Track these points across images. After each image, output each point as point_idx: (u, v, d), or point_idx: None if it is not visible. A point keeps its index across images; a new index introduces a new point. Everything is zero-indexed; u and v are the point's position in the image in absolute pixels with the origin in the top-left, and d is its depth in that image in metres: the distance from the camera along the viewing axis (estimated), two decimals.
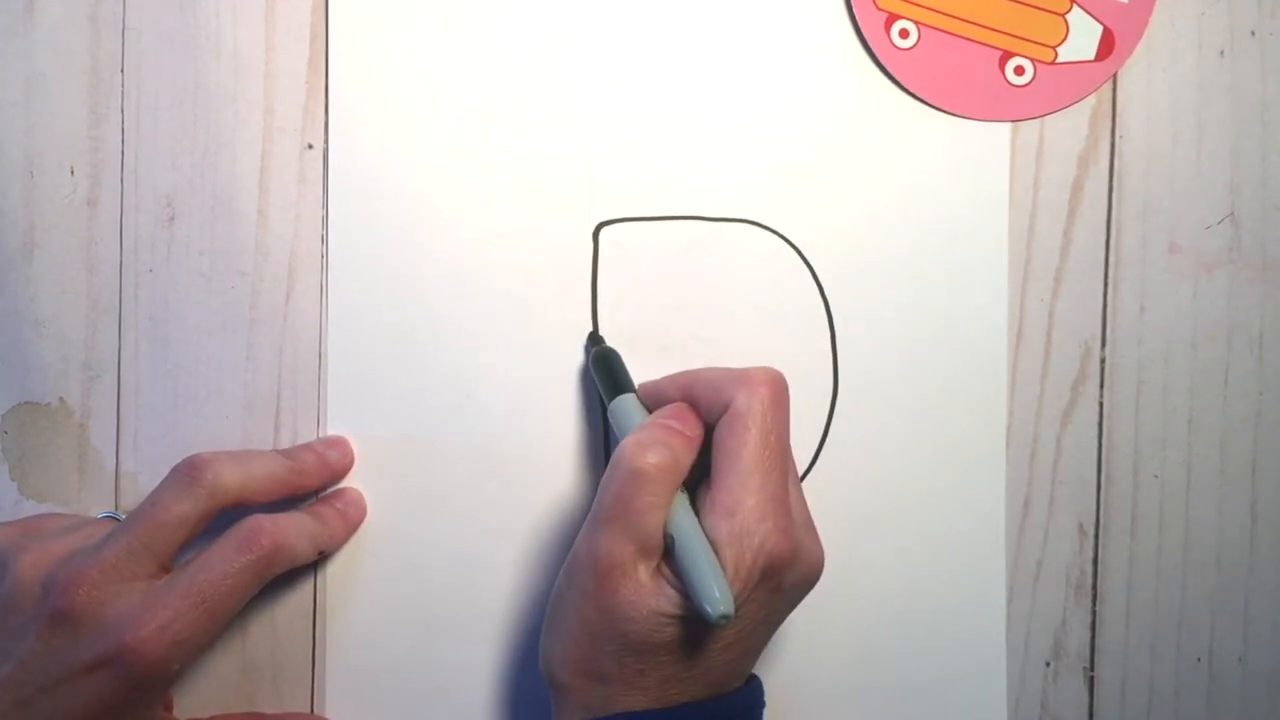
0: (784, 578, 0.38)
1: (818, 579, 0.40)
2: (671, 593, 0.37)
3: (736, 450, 0.38)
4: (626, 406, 0.42)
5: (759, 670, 0.41)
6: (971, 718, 0.46)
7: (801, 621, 0.45)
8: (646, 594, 0.37)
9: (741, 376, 0.39)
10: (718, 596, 0.35)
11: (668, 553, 0.38)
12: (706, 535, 0.37)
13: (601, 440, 0.45)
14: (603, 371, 0.43)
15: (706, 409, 0.40)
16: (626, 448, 0.38)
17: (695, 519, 0.38)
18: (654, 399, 0.42)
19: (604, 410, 0.43)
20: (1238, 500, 0.47)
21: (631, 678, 0.38)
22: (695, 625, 0.37)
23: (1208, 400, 0.46)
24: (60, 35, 0.44)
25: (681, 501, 0.38)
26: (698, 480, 0.39)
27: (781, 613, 0.40)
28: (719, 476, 0.38)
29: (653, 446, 0.38)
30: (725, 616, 0.35)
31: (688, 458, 0.39)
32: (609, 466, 0.39)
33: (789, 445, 0.40)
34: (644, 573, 0.38)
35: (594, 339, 0.45)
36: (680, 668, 0.38)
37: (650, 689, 0.38)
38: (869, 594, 0.46)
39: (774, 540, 0.37)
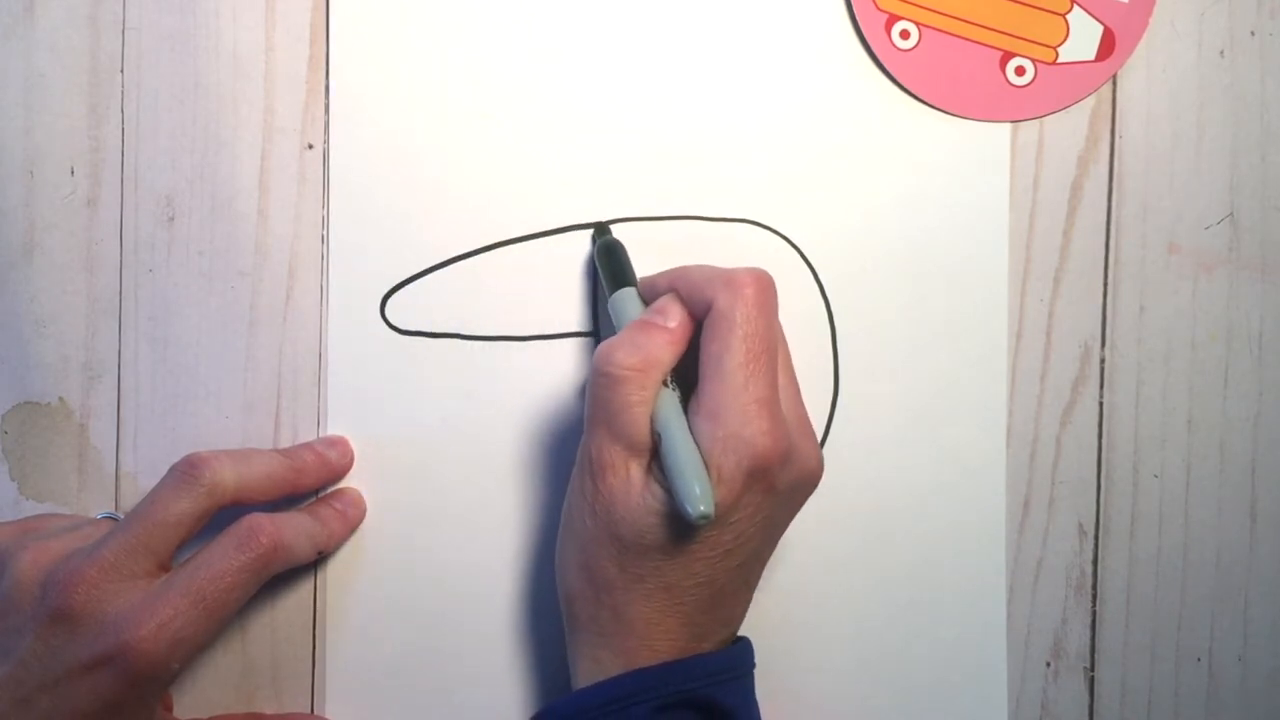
0: (776, 479, 0.38)
1: (816, 481, 0.40)
2: (658, 490, 0.37)
3: (719, 354, 0.37)
4: (625, 300, 0.41)
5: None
6: (971, 718, 0.46)
7: (803, 620, 0.45)
8: (635, 492, 0.37)
9: (725, 276, 0.39)
10: (698, 494, 0.35)
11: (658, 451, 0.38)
12: (694, 436, 0.37)
13: None
14: (606, 262, 0.43)
15: (691, 306, 0.39)
16: (598, 352, 0.38)
17: (683, 417, 0.38)
18: (650, 294, 0.42)
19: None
20: (1237, 500, 0.47)
21: (632, 583, 0.38)
22: (684, 525, 0.37)
23: (1207, 400, 0.46)
24: (60, 35, 0.44)
25: (669, 398, 0.38)
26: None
27: (780, 516, 0.40)
28: (704, 380, 0.38)
29: (621, 347, 0.38)
30: (705, 516, 0.35)
31: (668, 352, 0.38)
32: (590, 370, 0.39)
33: (775, 346, 0.39)
34: (635, 471, 0.38)
35: (600, 229, 0.44)
36: (680, 574, 0.38)
37: (653, 595, 0.38)
38: (869, 594, 0.46)
39: (761, 442, 0.37)
